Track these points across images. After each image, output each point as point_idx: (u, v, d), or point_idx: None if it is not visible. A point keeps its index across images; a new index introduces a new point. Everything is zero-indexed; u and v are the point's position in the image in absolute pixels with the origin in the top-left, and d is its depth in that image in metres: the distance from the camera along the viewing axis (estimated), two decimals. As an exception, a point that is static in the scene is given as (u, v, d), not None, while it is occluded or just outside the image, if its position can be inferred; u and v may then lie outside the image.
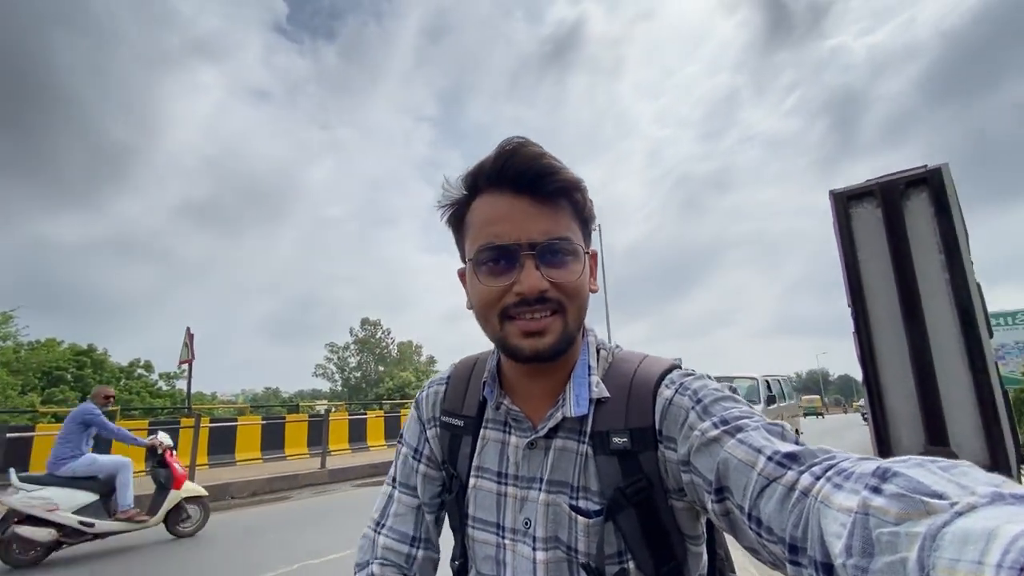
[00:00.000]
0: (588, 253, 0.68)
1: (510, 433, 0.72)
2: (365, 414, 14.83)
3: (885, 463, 0.38)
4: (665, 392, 0.63)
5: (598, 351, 0.73)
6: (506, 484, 0.71)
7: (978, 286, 1.91)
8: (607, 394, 0.67)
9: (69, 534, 4.88)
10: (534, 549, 0.66)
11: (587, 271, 0.67)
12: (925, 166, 2.04)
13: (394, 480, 0.83)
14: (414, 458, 0.82)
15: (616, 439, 0.64)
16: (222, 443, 10.92)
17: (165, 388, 36.12)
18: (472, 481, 0.74)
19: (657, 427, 0.62)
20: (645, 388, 0.65)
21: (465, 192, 0.68)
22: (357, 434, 13.69)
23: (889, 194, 2.05)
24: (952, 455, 1.81)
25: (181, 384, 36.71)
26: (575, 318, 0.66)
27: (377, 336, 57.17)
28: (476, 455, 0.74)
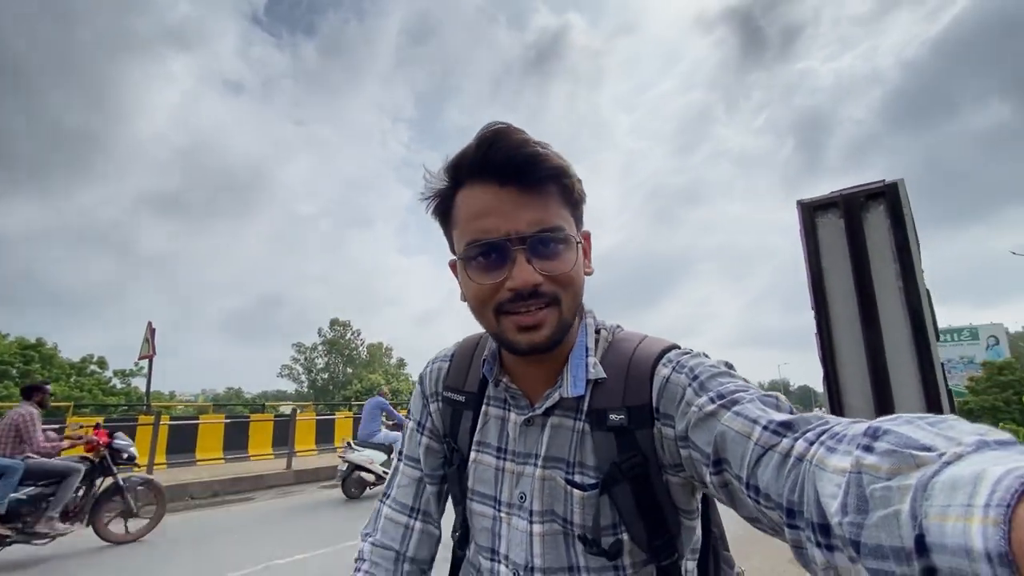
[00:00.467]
0: (580, 238, 0.68)
1: (509, 410, 0.74)
2: (333, 414, 14.57)
3: (875, 422, 0.39)
4: (663, 371, 0.64)
5: (598, 332, 0.73)
6: (504, 459, 0.72)
7: (928, 293, 2.07)
8: (603, 375, 0.67)
9: (379, 478, 7.73)
10: (530, 522, 0.68)
11: (580, 257, 0.67)
12: (883, 181, 2.20)
13: (401, 454, 0.86)
14: (417, 431, 0.84)
15: (613, 416, 0.64)
16: (182, 442, 10.54)
17: (120, 386, 34.57)
18: (473, 455, 0.75)
19: (654, 405, 0.63)
20: (643, 367, 0.66)
21: (449, 183, 0.66)
22: (325, 435, 13.41)
23: (851, 205, 2.20)
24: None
25: (137, 382, 35.25)
26: (570, 307, 0.65)
27: (347, 337, 56.20)
28: (478, 430, 0.76)
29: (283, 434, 11.62)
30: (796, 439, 0.45)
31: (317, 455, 12.38)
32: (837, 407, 2.10)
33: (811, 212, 2.29)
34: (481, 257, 0.64)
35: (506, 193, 0.61)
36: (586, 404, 0.67)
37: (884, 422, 0.39)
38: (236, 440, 11.45)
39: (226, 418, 12.14)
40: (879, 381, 2.00)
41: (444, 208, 0.68)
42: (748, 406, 0.52)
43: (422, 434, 0.84)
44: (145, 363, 10.90)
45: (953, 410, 1.95)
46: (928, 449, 0.33)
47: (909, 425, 0.37)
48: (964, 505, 0.28)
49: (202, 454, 10.70)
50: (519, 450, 0.71)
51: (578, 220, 0.68)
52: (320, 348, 55.65)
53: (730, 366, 0.63)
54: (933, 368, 1.96)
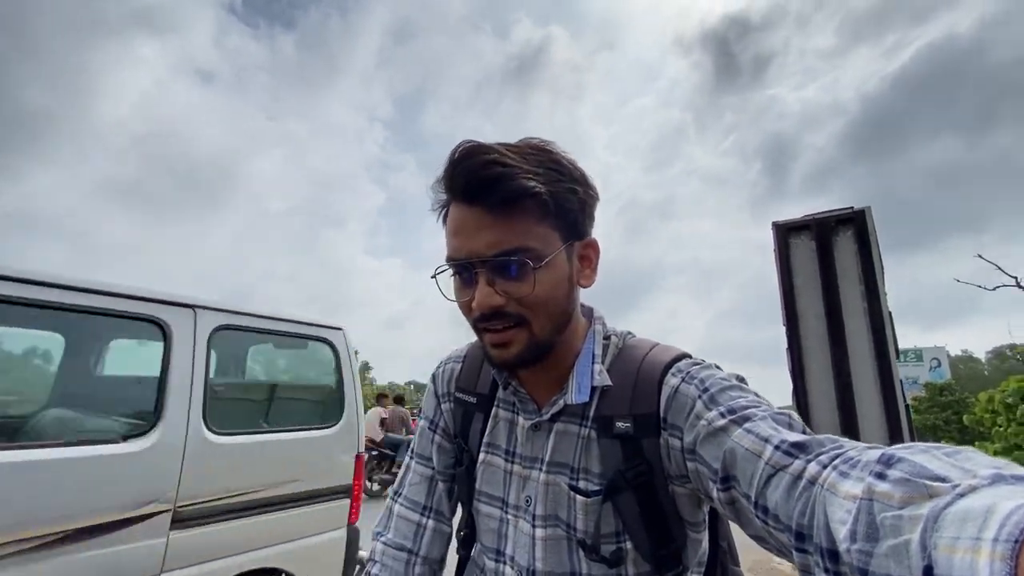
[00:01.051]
0: (566, 252, 0.65)
1: (518, 414, 0.74)
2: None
3: (890, 449, 0.38)
4: (671, 380, 0.63)
5: (607, 338, 0.72)
6: (513, 462, 0.73)
7: (889, 314, 2.20)
8: (609, 383, 0.67)
9: None
10: (534, 526, 0.68)
11: (559, 273, 0.64)
12: (852, 208, 2.33)
13: (412, 452, 0.86)
14: (430, 429, 0.84)
15: (619, 423, 0.64)
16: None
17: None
18: (482, 456, 0.76)
19: (662, 414, 0.62)
20: (651, 376, 0.65)
21: (445, 195, 0.66)
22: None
23: (822, 229, 2.33)
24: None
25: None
26: (543, 326, 0.64)
27: (311, 338, 54.65)
28: (488, 432, 0.76)
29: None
30: (809, 461, 0.45)
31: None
32: (805, 418, 2.21)
33: (785, 233, 2.40)
34: (456, 275, 0.65)
35: (472, 212, 0.61)
36: (592, 411, 0.67)
37: (899, 450, 0.38)
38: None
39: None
40: (844, 396, 2.12)
41: (444, 219, 0.68)
42: (760, 423, 0.51)
43: (435, 432, 0.84)
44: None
45: (911, 425, 2.08)
46: (942, 480, 0.33)
47: (925, 455, 0.36)
48: (973, 538, 0.27)
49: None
50: (526, 454, 0.72)
51: (567, 232, 0.65)
52: (282, 349, 53.95)
53: (742, 379, 0.62)
54: (893, 385, 2.09)
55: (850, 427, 2.14)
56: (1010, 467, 0.33)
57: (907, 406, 2.14)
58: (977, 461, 0.34)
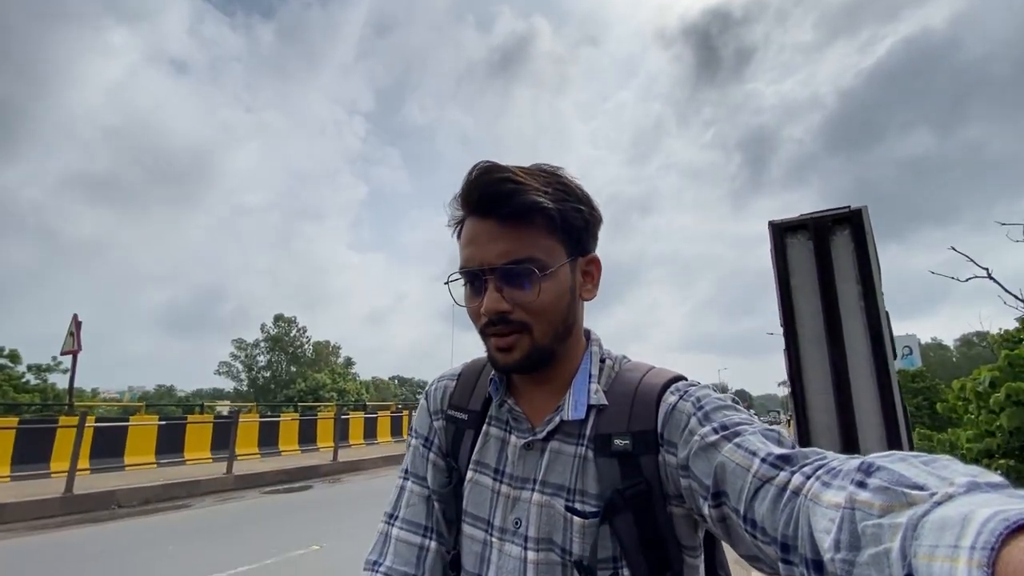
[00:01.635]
0: (572, 265, 0.70)
1: (511, 432, 0.73)
2: (278, 416, 13.94)
3: (869, 458, 0.40)
4: (669, 398, 0.65)
5: (603, 361, 0.74)
6: (501, 482, 0.72)
7: (887, 314, 2.20)
8: (605, 402, 0.68)
9: None
10: (525, 549, 0.67)
11: (562, 284, 0.68)
12: (848, 207, 2.33)
13: (406, 472, 0.82)
14: (424, 447, 0.82)
15: (618, 441, 0.65)
16: (109, 446, 9.73)
17: (34, 382, 31.61)
18: (470, 475, 0.74)
19: (659, 431, 0.64)
20: (649, 394, 0.67)
21: (460, 211, 0.71)
22: (268, 438, 12.81)
23: (819, 228, 2.31)
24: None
25: (54, 378, 32.33)
26: (544, 333, 0.67)
27: (292, 334, 54.08)
28: (476, 449, 0.75)
29: (222, 437, 10.99)
30: (793, 472, 0.46)
31: (260, 459, 11.81)
32: (803, 422, 2.20)
33: (781, 233, 2.39)
34: (467, 284, 0.70)
35: (485, 224, 0.67)
36: (588, 429, 0.68)
37: (878, 458, 0.40)
38: (171, 443, 10.71)
39: (160, 419, 11.34)
40: (842, 395, 2.11)
41: (459, 234, 0.72)
42: (750, 438, 0.53)
43: (429, 450, 0.82)
44: (65, 358, 10.01)
45: (907, 422, 2.08)
46: (920, 488, 0.34)
47: (903, 463, 0.38)
48: (951, 546, 0.28)
49: (132, 458, 9.93)
50: (517, 474, 0.71)
51: (572, 247, 0.70)
52: (263, 345, 53.23)
53: (736, 401, 0.64)
54: (890, 383, 2.10)
55: (847, 426, 2.14)
56: (984, 475, 0.34)
57: (904, 404, 2.15)
58: (953, 469, 0.36)
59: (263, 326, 53.85)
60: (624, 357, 0.77)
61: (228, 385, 53.21)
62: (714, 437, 0.56)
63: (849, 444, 2.06)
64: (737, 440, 0.54)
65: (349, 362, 54.19)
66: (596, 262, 0.75)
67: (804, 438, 2.17)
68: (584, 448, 0.67)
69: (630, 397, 0.68)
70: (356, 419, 16.45)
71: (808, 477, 0.44)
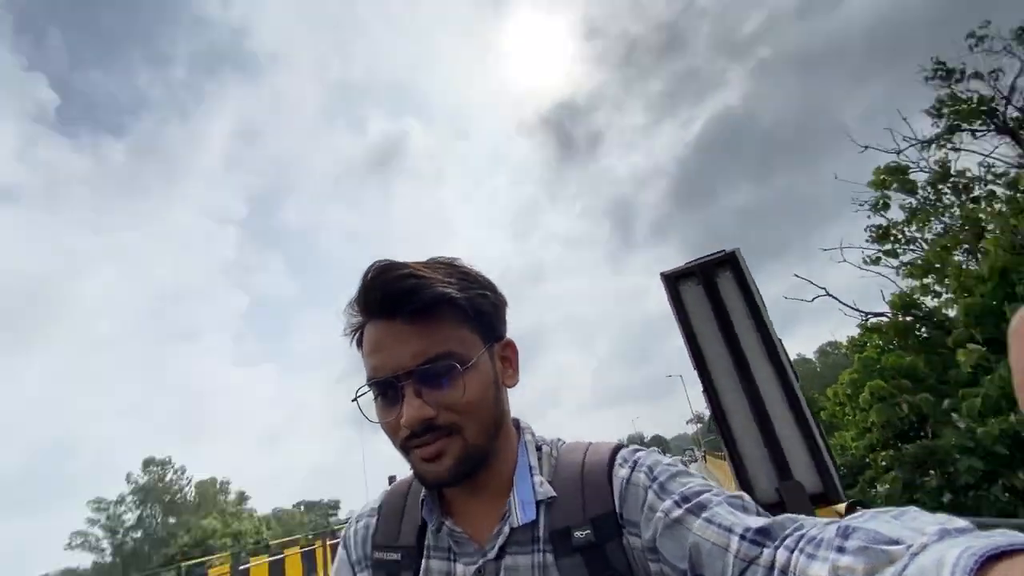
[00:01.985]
0: (488, 353, 0.65)
1: (455, 561, 0.64)
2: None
3: (844, 521, 0.41)
4: (620, 472, 0.61)
5: (539, 448, 0.69)
6: None
7: (780, 341, 2.41)
8: (553, 493, 0.63)
9: None
10: None
11: (485, 376, 0.64)
12: (723, 250, 2.59)
13: None
14: None
15: (578, 533, 0.59)
16: None
17: None
18: None
19: (618, 511, 0.59)
20: (599, 472, 0.63)
21: (359, 316, 0.65)
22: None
23: (706, 273, 2.53)
24: (800, 485, 2.13)
25: None
26: (477, 432, 0.62)
27: (166, 479, 46.17)
28: None
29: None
30: (776, 548, 0.45)
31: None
32: (736, 458, 2.26)
33: (674, 282, 2.56)
34: (378, 396, 0.63)
35: (393, 327, 0.61)
36: (541, 530, 0.61)
37: (852, 520, 0.41)
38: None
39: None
40: (765, 428, 2.22)
41: (359, 341, 0.66)
42: (718, 510, 0.51)
43: None
44: None
45: (820, 432, 2.24)
46: (896, 542, 0.36)
47: (875, 520, 0.39)
48: None
49: None
50: None
51: (486, 334, 0.66)
52: (129, 500, 44.57)
53: (686, 463, 0.62)
54: (799, 403, 2.25)
55: (776, 454, 2.23)
56: (952, 521, 0.36)
57: (817, 420, 2.31)
58: (923, 520, 0.38)
59: (129, 475, 45.37)
60: (559, 440, 0.72)
61: (86, 560, 43.03)
62: (678, 512, 0.53)
63: (782, 471, 2.13)
64: (706, 515, 0.51)
65: (242, 497, 47.21)
66: (512, 345, 0.72)
67: (740, 473, 2.22)
68: (541, 554, 0.60)
69: (578, 480, 0.63)
70: (259, 566, 13.99)
71: (791, 551, 0.43)
